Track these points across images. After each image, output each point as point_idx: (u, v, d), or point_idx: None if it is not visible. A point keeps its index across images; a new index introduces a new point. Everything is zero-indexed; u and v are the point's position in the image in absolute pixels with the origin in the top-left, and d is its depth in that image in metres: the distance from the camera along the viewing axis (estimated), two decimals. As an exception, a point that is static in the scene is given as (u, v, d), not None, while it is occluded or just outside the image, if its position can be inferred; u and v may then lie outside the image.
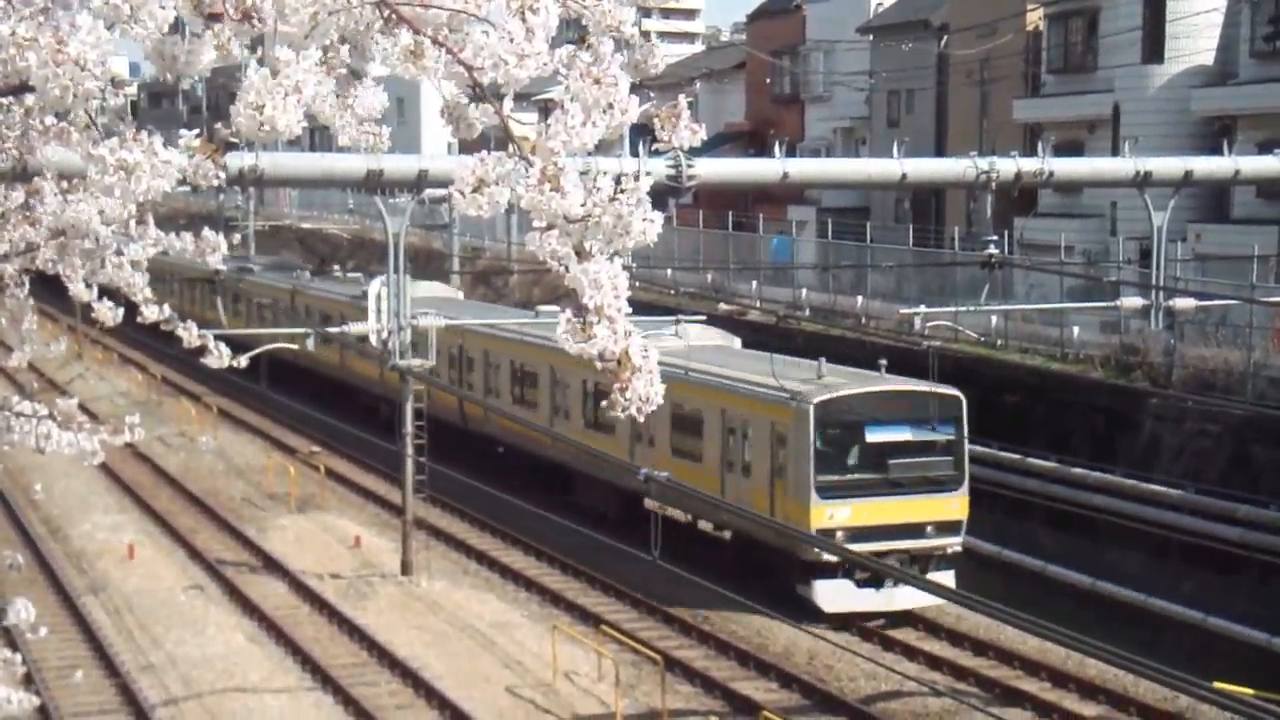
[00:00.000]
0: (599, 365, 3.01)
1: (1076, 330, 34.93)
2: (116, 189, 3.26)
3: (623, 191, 2.90)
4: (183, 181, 3.76)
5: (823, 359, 29.20)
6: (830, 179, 32.39)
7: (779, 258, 50.63)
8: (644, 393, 2.99)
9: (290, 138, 3.35)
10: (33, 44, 3.02)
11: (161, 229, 6.95)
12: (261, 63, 3.25)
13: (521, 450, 37.07)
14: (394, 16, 3.01)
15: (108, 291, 7.15)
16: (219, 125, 3.45)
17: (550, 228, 2.88)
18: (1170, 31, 43.56)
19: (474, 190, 2.92)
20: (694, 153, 23.04)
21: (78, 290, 6.88)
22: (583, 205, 2.88)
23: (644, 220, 2.92)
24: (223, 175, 3.65)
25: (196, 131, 3.56)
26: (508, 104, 3.04)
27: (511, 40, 2.87)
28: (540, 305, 40.63)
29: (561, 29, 3.12)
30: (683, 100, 3.11)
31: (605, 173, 2.99)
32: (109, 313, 7.47)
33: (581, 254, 2.89)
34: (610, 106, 2.90)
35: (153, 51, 3.15)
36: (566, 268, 2.92)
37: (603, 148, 3.11)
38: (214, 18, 3.13)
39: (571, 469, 34.99)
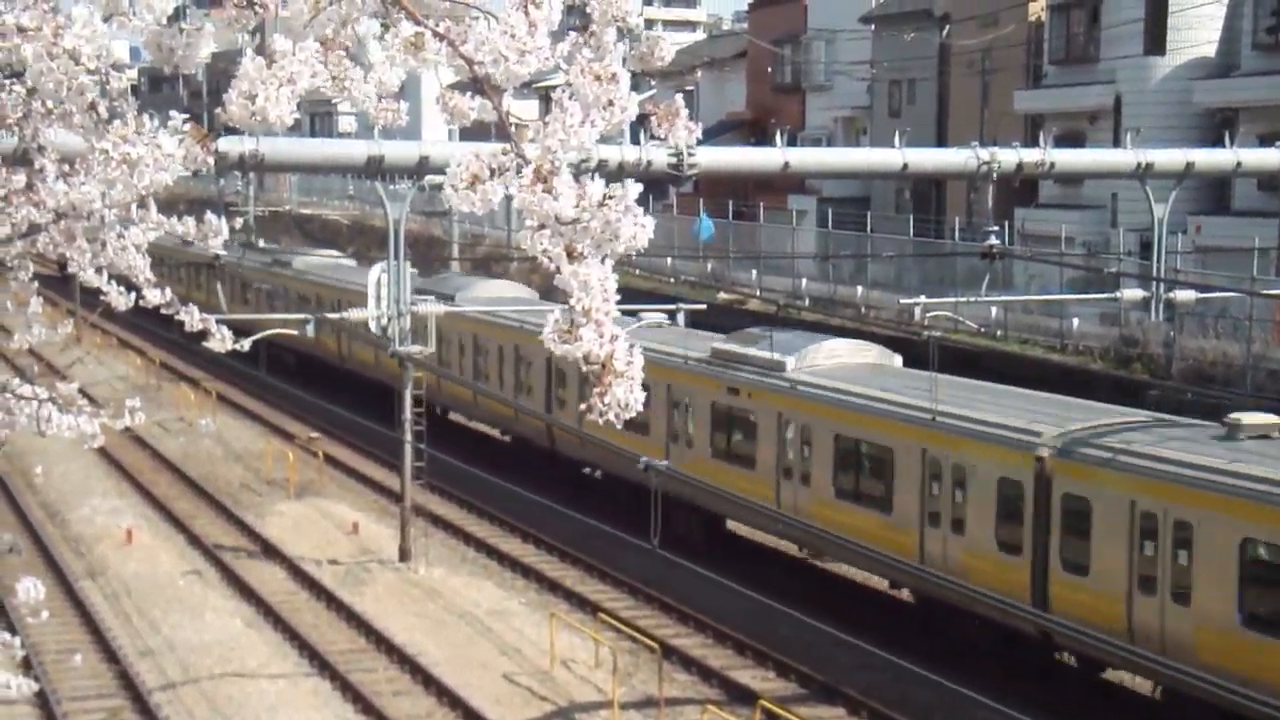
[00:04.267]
0: (583, 368, 2.99)
1: (1076, 321, 34.93)
2: (119, 183, 3.26)
3: (611, 198, 2.88)
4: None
5: None
6: (831, 168, 32.38)
7: (705, 237, 50.89)
8: (624, 399, 2.98)
9: (283, 128, 3.33)
10: (36, 34, 3.01)
11: (162, 214, 6.94)
12: (260, 50, 3.24)
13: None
14: (397, 5, 2.99)
15: (111, 276, 7.12)
16: (219, 111, 3.43)
17: (542, 227, 2.86)
18: (1172, 23, 43.43)
19: (468, 186, 2.91)
20: (695, 142, 23.00)
21: (87, 276, 6.87)
22: (575, 207, 2.86)
23: (634, 226, 2.89)
24: (212, 161, 3.64)
25: (186, 115, 3.55)
26: (507, 97, 3.03)
27: (513, 36, 2.86)
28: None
29: (565, 13, 3.10)
30: (679, 99, 3.09)
31: (600, 170, 2.97)
32: (120, 297, 7.47)
33: (573, 254, 2.88)
34: (610, 104, 2.89)
35: (151, 43, 3.14)
36: (558, 268, 2.90)
37: (603, 137, 3.11)
38: (216, 2, 3.13)
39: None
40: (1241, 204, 41.19)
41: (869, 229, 46.85)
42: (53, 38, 3.04)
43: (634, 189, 2.88)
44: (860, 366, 28.42)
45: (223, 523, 35.02)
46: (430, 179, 28.35)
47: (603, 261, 2.88)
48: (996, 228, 29.46)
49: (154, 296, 7.56)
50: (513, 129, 2.92)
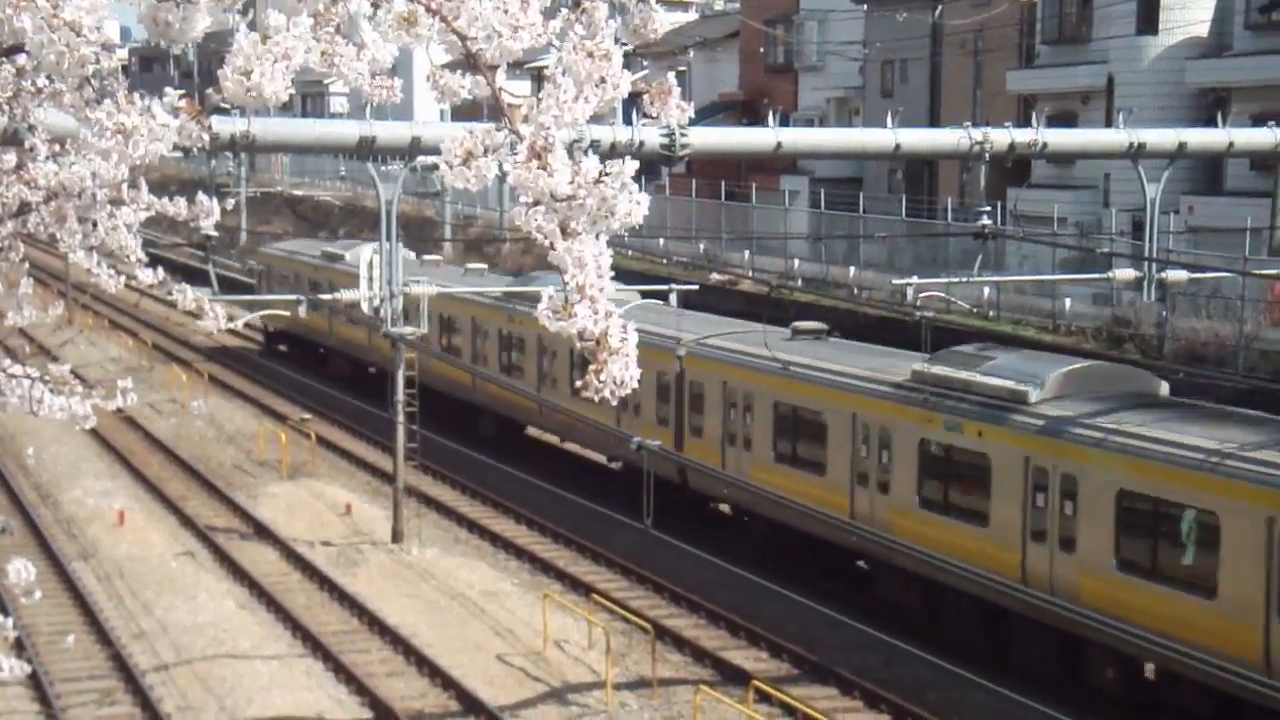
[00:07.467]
0: (578, 345, 2.98)
1: (1069, 302, 34.96)
2: (114, 152, 3.24)
3: (608, 174, 2.87)
4: (177, 146, 3.74)
5: None
6: (824, 149, 32.27)
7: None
8: (619, 375, 2.97)
9: (278, 104, 3.32)
10: (30, 6, 2.99)
11: (153, 195, 6.92)
12: (253, 27, 3.22)
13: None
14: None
15: (101, 255, 7.10)
16: (210, 91, 3.42)
17: (537, 203, 2.85)
18: (1165, 2, 43.49)
19: (462, 162, 2.90)
20: (688, 121, 22.88)
21: (77, 257, 6.85)
22: (570, 183, 2.86)
23: (630, 202, 2.89)
24: (206, 137, 3.61)
25: (181, 92, 3.53)
26: (500, 74, 3.02)
27: (506, 11, 2.85)
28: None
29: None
30: (672, 77, 3.08)
31: (591, 150, 2.95)
32: (110, 279, 7.44)
33: (567, 231, 2.87)
34: (603, 81, 2.88)
35: (147, 17, 3.13)
36: (552, 244, 2.89)
37: (595, 116, 3.10)
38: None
39: None
40: (1234, 184, 41.21)
41: (861, 209, 46.85)
42: (52, 10, 3.02)
43: (631, 165, 2.88)
44: (1127, 396, 23.76)
45: (215, 504, 35.01)
46: (422, 160, 28.28)
47: (597, 238, 2.87)
48: (989, 208, 29.52)
49: (145, 277, 7.55)
50: (506, 106, 2.91)
